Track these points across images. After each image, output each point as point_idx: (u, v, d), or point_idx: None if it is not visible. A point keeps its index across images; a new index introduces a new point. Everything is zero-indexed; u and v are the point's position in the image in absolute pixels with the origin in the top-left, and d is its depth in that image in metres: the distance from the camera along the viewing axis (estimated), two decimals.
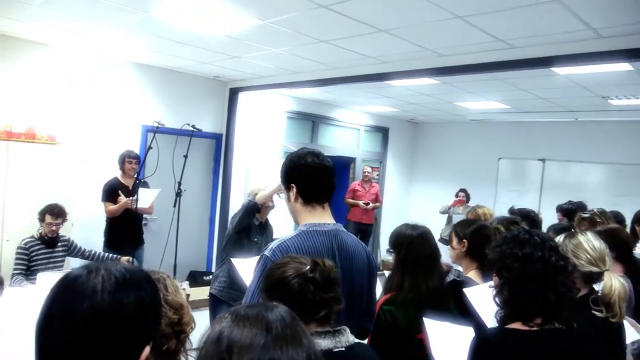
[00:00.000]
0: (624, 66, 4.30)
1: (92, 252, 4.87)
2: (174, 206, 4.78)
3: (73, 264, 5.05)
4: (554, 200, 5.76)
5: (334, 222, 1.98)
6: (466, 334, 1.95)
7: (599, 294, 1.92)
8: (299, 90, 7.06)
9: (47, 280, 3.15)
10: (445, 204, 7.99)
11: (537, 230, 1.61)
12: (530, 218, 3.54)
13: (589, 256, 1.95)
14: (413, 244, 2.30)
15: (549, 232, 3.86)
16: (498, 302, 1.57)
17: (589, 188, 7.63)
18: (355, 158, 8.85)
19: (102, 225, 5.43)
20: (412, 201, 10.03)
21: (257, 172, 6.75)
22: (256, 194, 3.79)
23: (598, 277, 1.95)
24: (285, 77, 5.98)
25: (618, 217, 3.77)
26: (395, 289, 2.29)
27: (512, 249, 1.55)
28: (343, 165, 8.82)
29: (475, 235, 2.54)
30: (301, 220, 1.97)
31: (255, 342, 0.85)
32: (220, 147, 6.89)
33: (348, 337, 1.44)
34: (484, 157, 8.92)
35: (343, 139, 8.74)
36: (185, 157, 4.78)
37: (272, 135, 7.34)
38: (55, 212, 4.45)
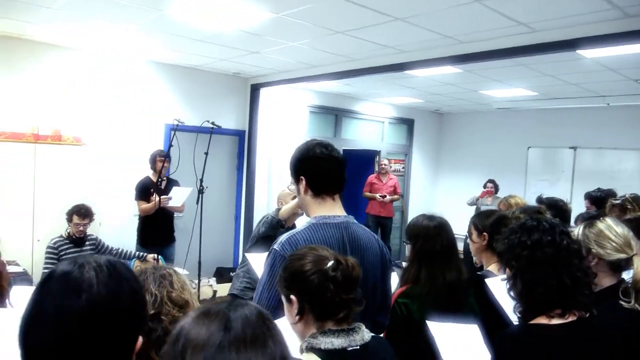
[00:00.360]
0: None
1: (120, 250, 4.96)
2: (197, 203, 4.82)
3: None
4: (586, 189, 5.54)
5: (345, 214, 1.94)
6: (472, 332, 1.89)
7: (629, 283, 1.82)
8: (321, 84, 7.02)
9: None
10: (473, 195, 7.81)
11: (547, 217, 1.53)
12: (558, 207, 3.39)
13: (613, 243, 1.83)
14: (429, 235, 2.23)
15: (576, 222, 3.71)
16: (513, 295, 1.50)
17: (623, 176, 7.36)
18: (379, 151, 8.75)
19: (129, 223, 5.54)
20: (439, 193, 9.87)
21: (280, 166, 6.74)
22: (281, 206, 3.76)
23: (627, 263, 1.83)
24: (305, 71, 5.95)
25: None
26: (411, 281, 2.23)
27: (520, 237, 1.49)
28: (367, 159, 8.74)
29: (496, 227, 2.43)
30: (311, 212, 1.94)
31: (210, 341, 0.78)
32: (243, 143, 6.92)
33: (363, 335, 1.39)
34: (512, 146, 8.70)
35: (367, 132, 8.66)
36: (206, 154, 4.80)
37: (295, 130, 7.31)
38: (82, 213, 4.54)
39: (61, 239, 4.57)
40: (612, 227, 1.88)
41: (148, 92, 5.95)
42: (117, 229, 5.54)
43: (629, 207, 3.70)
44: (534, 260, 1.43)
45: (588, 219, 2.21)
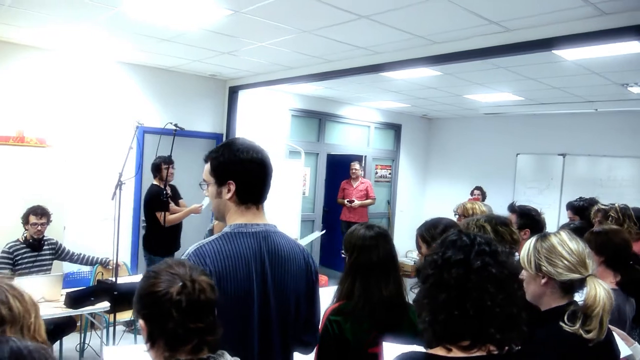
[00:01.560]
0: (636, 47, 3.92)
1: (82, 255, 4.78)
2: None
3: (67, 269, 4.98)
4: (576, 197, 5.33)
5: (267, 222, 1.74)
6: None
7: (579, 305, 1.61)
8: (303, 87, 6.86)
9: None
10: (461, 202, 7.60)
11: (478, 233, 1.29)
12: (531, 217, 3.18)
13: (566, 262, 1.62)
14: (366, 245, 2.01)
15: None
16: (419, 323, 1.26)
17: (614, 184, 7.17)
18: (365, 156, 8.56)
19: (96, 227, 5.40)
20: (427, 200, 9.67)
21: None
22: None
23: (580, 284, 1.63)
24: (282, 73, 5.78)
25: (625, 212, 3.37)
26: (345, 297, 2.02)
27: (434, 254, 1.25)
28: (350, 164, 8.54)
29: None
30: (229, 220, 1.74)
31: None
32: None
33: None
34: (501, 152, 8.50)
35: (352, 137, 8.47)
36: (169, 156, 4.64)
37: (276, 134, 7.14)
38: (39, 212, 4.38)
39: (17, 243, 4.40)
40: (565, 243, 1.66)
41: (119, 94, 5.76)
42: (83, 233, 5.36)
43: (612, 215, 3.51)
44: (440, 282, 1.19)
45: (574, 230, 2.01)
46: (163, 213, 4.76)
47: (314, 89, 6.89)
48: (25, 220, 4.40)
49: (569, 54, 4.20)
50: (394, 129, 9.10)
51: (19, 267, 4.35)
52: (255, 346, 1.62)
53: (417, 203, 9.51)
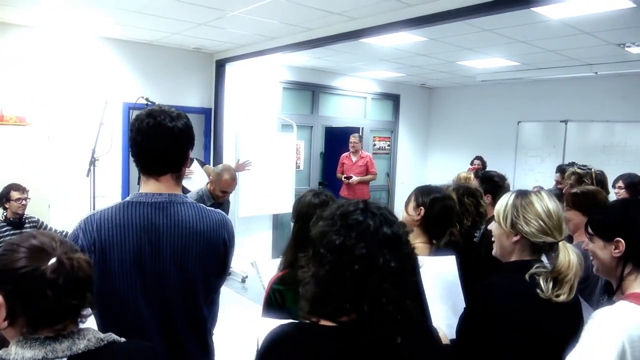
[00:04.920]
0: (624, 3, 3.70)
1: (65, 233, 4.79)
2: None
3: None
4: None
5: (174, 192, 1.65)
6: None
7: (550, 268, 1.54)
8: (293, 59, 6.71)
9: None
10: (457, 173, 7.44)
11: (383, 209, 1.14)
12: (493, 182, 3.03)
13: (542, 223, 1.55)
14: (310, 214, 1.89)
15: None
16: (301, 292, 1.15)
17: (617, 150, 6.92)
18: (362, 128, 8.39)
19: (80, 205, 5.38)
20: (428, 171, 9.51)
21: (249, 144, 6.47)
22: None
23: (550, 248, 1.57)
24: (265, 43, 5.63)
25: (599, 179, 3.21)
26: (288, 266, 1.96)
27: (334, 232, 1.10)
28: (349, 136, 8.39)
29: (434, 205, 2.17)
30: (140, 189, 1.68)
31: None
32: (210, 121, 6.65)
33: (73, 344, 1.10)
34: (503, 121, 8.27)
35: (348, 109, 8.31)
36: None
37: (266, 107, 7.02)
38: (20, 187, 4.37)
39: None
40: (545, 204, 1.58)
41: (101, 70, 5.68)
42: (69, 211, 5.36)
43: (585, 181, 3.36)
44: (334, 271, 1.08)
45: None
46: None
47: (304, 59, 6.73)
48: (6, 198, 4.39)
49: (553, 12, 3.99)
50: (392, 99, 8.90)
51: (2, 246, 4.37)
52: (151, 320, 1.56)
53: (418, 174, 9.35)
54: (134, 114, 4.56)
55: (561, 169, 4.59)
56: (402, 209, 2.34)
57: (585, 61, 6.01)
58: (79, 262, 1.13)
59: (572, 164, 4.67)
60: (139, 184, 1.70)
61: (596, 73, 6.35)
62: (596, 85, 6.98)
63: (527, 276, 1.51)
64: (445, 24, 4.08)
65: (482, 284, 1.59)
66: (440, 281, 1.99)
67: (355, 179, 7.02)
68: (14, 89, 5.10)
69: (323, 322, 1.10)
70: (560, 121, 7.54)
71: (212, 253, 1.67)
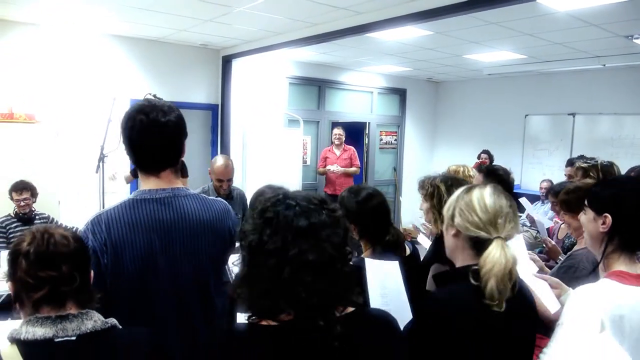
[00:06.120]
0: None
1: (75, 229, 4.84)
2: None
3: None
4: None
5: (176, 186, 1.67)
6: None
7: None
8: (299, 54, 6.73)
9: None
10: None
11: (304, 199, 1.10)
12: (497, 176, 2.99)
13: (476, 217, 1.46)
14: None
15: (547, 195, 3.24)
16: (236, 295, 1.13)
17: (625, 142, 6.89)
18: (368, 123, 8.40)
19: (90, 201, 5.43)
20: (436, 166, 9.48)
21: (256, 140, 6.50)
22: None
23: (483, 245, 1.43)
24: (271, 39, 5.66)
25: (605, 170, 3.19)
26: None
27: (251, 232, 1.08)
28: (356, 131, 8.42)
29: (364, 206, 2.05)
30: (140, 186, 1.71)
31: None
32: (217, 117, 6.69)
33: (82, 324, 1.17)
34: (510, 114, 8.25)
35: (354, 104, 8.31)
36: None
37: (273, 103, 7.04)
38: (19, 188, 4.42)
39: (8, 217, 4.48)
40: (483, 198, 1.49)
41: (109, 67, 5.73)
42: (79, 207, 5.41)
43: (591, 174, 3.35)
44: (252, 270, 1.06)
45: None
46: None
47: (310, 55, 6.74)
48: (11, 197, 4.46)
49: (559, 4, 3.97)
50: (399, 93, 8.89)
51: (12, 240, 4.44)
52: (166, 316, 1.59)
53: (425, 169, 9.34)
54: None
55: (571, 163, 4.56)
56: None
57: (592, 53, 5.98)
58: (54, 237, 1.22)
59: (581, 157, 4.64)
60: (134, 175, 1.73)
61: (604, 65, 6.31)
62: (604, 78, 6.94)
63: (471, 280, 1.40)
64: (451, 17, 4.08)
65: (429, 299, 1.55)
66: (382, 287, 1.88)
67: (339, 168, 6.86)
68: (23, 87, 5.16)
69: (265, 322, 1.07)
70: (568, 114, 7.50)
71: (220, 242, 1.70)
